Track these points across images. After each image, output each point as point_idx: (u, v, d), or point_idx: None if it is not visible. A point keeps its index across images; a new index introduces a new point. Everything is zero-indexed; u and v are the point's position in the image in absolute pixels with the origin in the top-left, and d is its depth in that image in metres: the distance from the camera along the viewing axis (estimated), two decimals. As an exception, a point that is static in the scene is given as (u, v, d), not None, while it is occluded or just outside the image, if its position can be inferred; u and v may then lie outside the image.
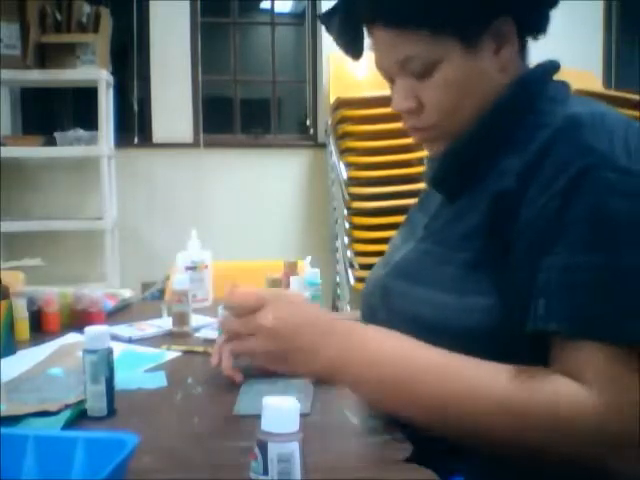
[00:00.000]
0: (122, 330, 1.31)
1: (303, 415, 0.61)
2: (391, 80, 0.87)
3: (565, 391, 0.67)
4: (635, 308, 0.67)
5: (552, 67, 0.87)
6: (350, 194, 3.37)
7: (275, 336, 0.80)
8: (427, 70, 0.82)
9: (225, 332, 0.92)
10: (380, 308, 0.89)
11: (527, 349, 0.72)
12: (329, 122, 3.77)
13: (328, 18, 0.89)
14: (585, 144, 0.72)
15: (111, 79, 3.57)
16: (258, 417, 0.79)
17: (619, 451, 0.66)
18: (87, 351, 0.86)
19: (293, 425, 0.58)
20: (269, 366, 0.84)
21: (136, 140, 3.98)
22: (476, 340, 0.74)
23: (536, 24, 0.86)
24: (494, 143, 0.82)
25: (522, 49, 0.87)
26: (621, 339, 0.67)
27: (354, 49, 0.89)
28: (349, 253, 3.37)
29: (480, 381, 0.71)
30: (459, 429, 0.72)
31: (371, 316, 0.90)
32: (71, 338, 1.24)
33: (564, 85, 0.87)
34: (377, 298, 0.90)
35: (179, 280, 1.36)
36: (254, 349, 0.82)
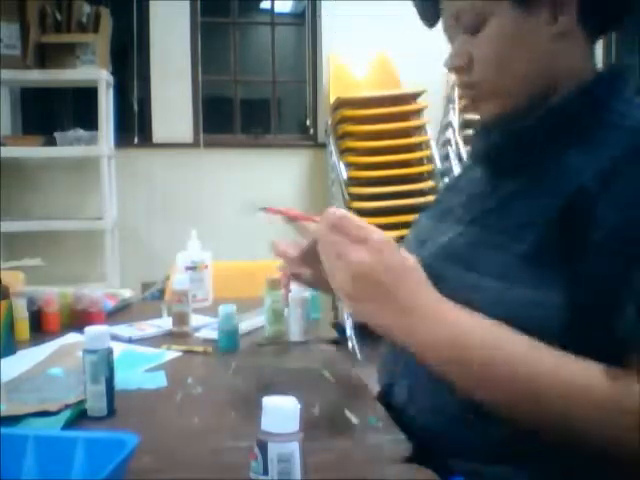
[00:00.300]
0: (122, 330, 1.30)
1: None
2: (451, 40, 0.88)
3: None
4: None
5: (623, 70, 0.85)
6: (350, 194, 3.38)
7: (371, 280, 0.71)
8: (478, 24, 0.82)
9: (313, 240, 0.83)
10: None
11: (587, 350, 0.70)
12: (329, 122, 3.77)
13: None
14: None
15: (111, 79, 3.57)
16: (237, 422, 0.79)
17: None
18: (87, 351, 0.86)
19: (293, 425, 0.58)
20: (348, 299, 0.72)
21: (136, 140, 3.98)
22: (529, 334, 0.70)
23: (601, 8, 0.82)
24: (559, 134, 0.80)
25: (589, 42, 0.84)
26: None
27: (429, 15, 0.91)
28: (349, 253, 3.36)
29: (578, 379, 0.68)
30: (547, 424, 0.69)
31: None
32: (71, 338, 1.24)
33: (638, 89, 0.85)
34: None
35: (179, 280, 1.36)
36: (343, 281, 0.72)
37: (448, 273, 0.81)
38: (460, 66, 0.85)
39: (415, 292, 0.72)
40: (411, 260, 0.74)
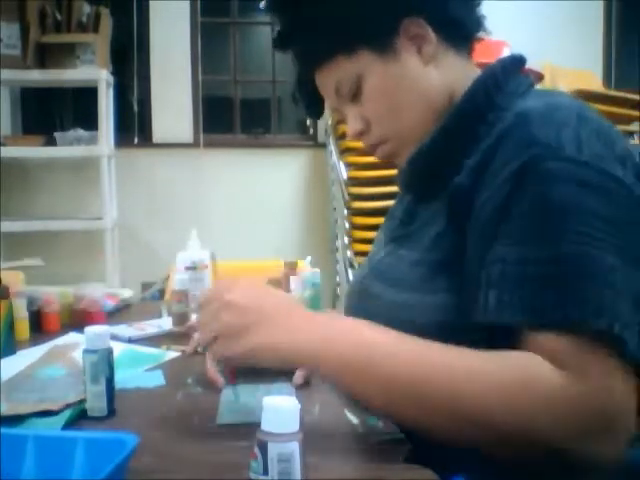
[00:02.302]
0: (122, 330, 1.31)
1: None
2: (343, 115, 0.91)
3: (539, 365, 0.66)
4: (583, 295, 0.66)
5: (513, 62, 0.87)
6: (350, 194, 3.37)
7: (235, 309, 0.74)
8: (356, 89, 0.86)
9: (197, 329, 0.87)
10: (358, 309, 0.90)
11: (487, 344, 0.71)
12: (329, 122, 3.77)
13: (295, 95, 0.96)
14: (531, 137, 0.72)
15: (111, 79, 3.57)
16: (242, 425, 0.80)
17: (592, 438, 0.65)
18: (87, 351, 0.86)
19: (293, 425, 0.58)
20: (227, 348, 0.75)
21: (136, 140, 3.98)
22: (442, 336, 0.72)
23: (450, 20, 0.86)
24: (458, 143, 0.83)
25: (461, 49, 0.88)
26: (574, 326, 0.66)
27: (316, 110, 0.97)
28: (349, 253, 3.37)
29: (450, 362, 0.70)
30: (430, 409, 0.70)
31: (351, 317, 0.91)
32: (71, 338, 1.24)
33: (527, 78, 0.87)
34: (355, 299, 0.93)
35: (179, 280, 1.36)
36: (215, 330, 0.75)
37: (373, 291, 0.87)
38: (360, 131, 0.89)
39: (287, 310, 0.76)
40: (275, 290, 0.81)
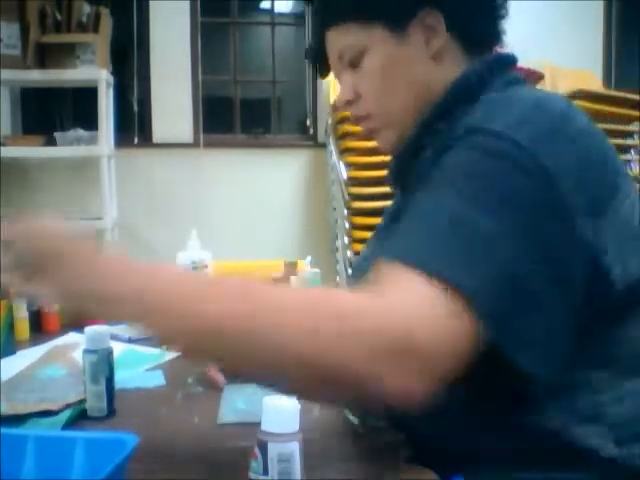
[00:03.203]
0: (122, 330, 1.30)
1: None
2: (339, 80, 0.92)
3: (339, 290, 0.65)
4: (451, 251, 0.63)
5: (500, 61, 0.86)
6: (350, 194, 3.38)
7: (23, 250, 0.69)
8: (357, 59, 0.86)
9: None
10: None
11: None
12: (329, 122, 3.77)
13: (308, 51, 0.96)
14: (473, 119, 0.73)
15: (111, 79, 3.57)
16: (242, 425, 0.80)
17: (385, 360, 0.57)
18: (87, 351, 0.86)
19: (293, 425, 0.58)
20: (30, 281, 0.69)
21: (136, 140, 3.98)
22: None
23: (468, 23, 0.86)
24: (440, 137, 0.81)
25: (471, 52, 0.87)
26: (426, 269, 0.61)
27: (322, 68, 0.95)
28: (349, 253, 3.37)
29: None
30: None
31: None
32: (71, 338, 1.24)
33: (513, 76, 0.86)
34: None
35: (179, 280, 1.36)
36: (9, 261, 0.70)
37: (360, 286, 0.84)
38: (348, 100, 0.89)
39: (78, 253, 0.69)
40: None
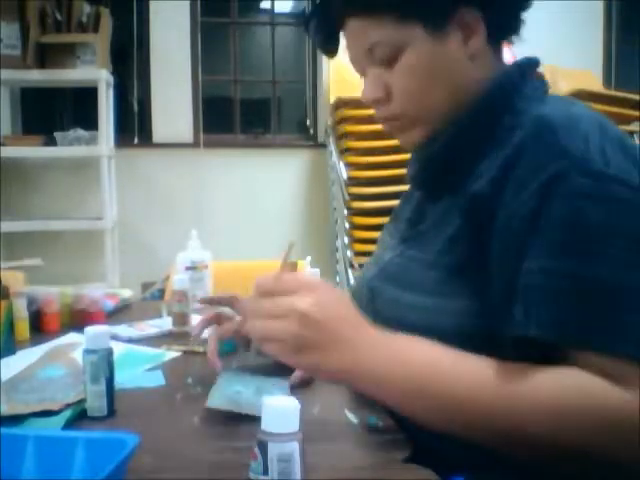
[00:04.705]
0: (122, 330, 1.30)
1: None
2: (363, 73, 0.88)
3: (596, 385, 0.65)
4: (609, 320, 0.66)
5: (529, 64, 0.87)
6: (350, 194, 3.38)
7: (308, 322, 0.68)
8: (393, 56, 0.83)
9: (244, 312, 0.86)
10: (367, 309, 0.88)
11: (514, 354, 0.70)
12: (329, 122, 3.77)
13: (308, 19, 0.91)
14: (559, 147, 0.71)
15: (111, 79, 3.57)
16: (237, 423, 0.80)
17: None
18: (87, 351, 0.86)
19: (293, 425, 0.58)
20: (288, 355, 0.70)
21: (136, 140, 3.98)
22: (461, 343, 0.72)
23: (505, 22, 0.85)
24: (473, 144, 0.82)
25: (497, 50, 0.87)
26: (602, 349, 0.66)
27: (330, 45, 0.91)
28: (349, 253, 3.37)
29: (506, 381, 0.68)
30: (486, 431, 0.69)
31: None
32: (71, 338, 1.24)
33: (542, 83, 0.86)
34: (364, 299, 0.90)
35: (179, 280, 1.36)
36: (280, 333, 0.69)
37: (386, 294, 0.85)
38: (378, 99, 0.86)
39: (356, 328, 0.72)
40: (347, 308, 0.73)
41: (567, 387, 0.66)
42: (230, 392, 0.88)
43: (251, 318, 0.72)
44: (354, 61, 0.89)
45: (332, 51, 0.92)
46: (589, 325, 0.66)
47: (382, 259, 0.93)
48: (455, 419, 0.69)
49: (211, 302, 1.15)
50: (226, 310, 1.07)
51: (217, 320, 1.05)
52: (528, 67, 0.86)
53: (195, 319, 1.35)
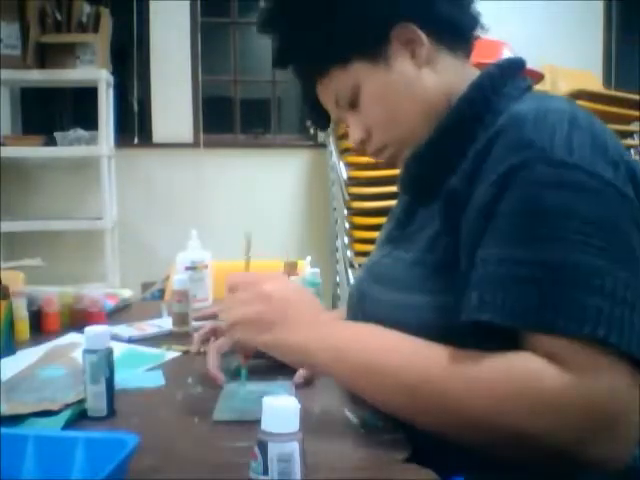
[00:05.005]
0: (122, 330, 1.30)
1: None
2: (345, 123, 0.92)
3: (538, 367, 0.66)
4: (567, 301, 0.66)
5: (510, 65, 0.87)
6: (350, 194, 3.38)
7: (271, 301, 0.80)
8: (355, 98, 0.87)
9: (220, 310, 0.90)
10: (357, 311, 0.91)
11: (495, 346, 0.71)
12: (329, 122, 3.76)
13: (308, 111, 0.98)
14: (523, 139, 0.72)
15: (111, 79, 3.57)
16: (241, 424, 0.80)
17: (596, 439, 0.64)
18: (87, 351, 0.86)
19: (293, 425, 0.58)
20: (252, 335, 0.81)
21: (136, 140, 3.98)
22: (440, 337, 0.73)
23: (440, 20, 0.86)
24: (454, 146, 0.83)
25: (456, 48, 0.88)
26: (558, 332, 0.66)
27: (322, 122, 0.98)
28: (349, 253, 3.37)
29: (456, 364, 0.70)
30: (428, 411, 0.71)
31: (351, 318, 0.93)
32: (71, 338, 1.24)
33: (524, 81, 0.87)
34: (354, 301, 0.93)
35: (179, 280, 1.36)
36: (247, 314, 0.81)
37: (372, 294, 0.88)
38: (361, 139, 0.90)
39: (316, 310, 0.84)
40: (306, 295, 0.86)
41: (509, 369, 0.67)
42: (236, 402, 0.88)
43: (223, 309, 0.85)
44: (334, 118, 0.94)
45: (324, 124, 0.99)
46: (541, 308, 0.66)
47: (371, 260, 0.96)
48: (395, 397, 0.73)
49: (204, 318, 1.19)
50: (222, 323, 1.08)
51: (213, 334, 1.07)
52: (509, 68, 0.87)
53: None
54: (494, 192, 0.72)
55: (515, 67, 0.87)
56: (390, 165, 0.93)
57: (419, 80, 0.85)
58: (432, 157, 0.86)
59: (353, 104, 0.88)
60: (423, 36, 0.84)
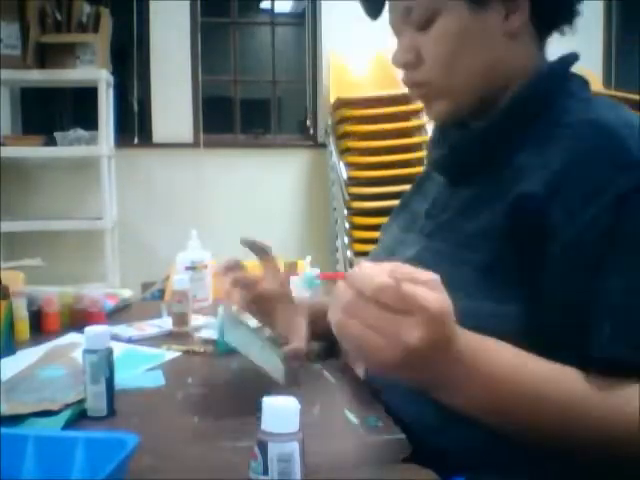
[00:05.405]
0: (122, 330, 1.30)
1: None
2: (399, 36, 0.86)
3: None
4: None
5: (569, 60, 0.85)
6: (350, 194, 3.38)
7: (438, 324, 0.59)
8: (429, 20, 0.80)
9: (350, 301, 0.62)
10: None
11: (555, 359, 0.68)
12: (329, 122, 3.77)
13: None
14: (628, 158, 0.69)
15: (111, 79, 3.57)
16: (237, 422, 0.80)
17: None
18: (87, 351, 0.86)
19: (293, 425, 0.58)
20: (401, 364, 0.60)
21: (136, 140, 3.98)
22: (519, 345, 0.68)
23: (553, 6, 0.83)
24: (513, 133, 0.80)
25: (541, 38, 0.85)
26: None
27: (374, 8, 0.88)
28: (349, 253, 3.37)
29: (595, 390, 0.66)
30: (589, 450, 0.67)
31: None
32: (71, 338, 1.24)
33: (584, 82, 0.84)
34: None
35: (179, 280, 1.36)
36: (409, 333, 0.59)
37: None
38: (408, 62, 0.83)
39: (453, 361, 0.64)
40: (456, 328, 0.64)
41: None
42: (240, 337, 0.91)
43: (347, 319, 0.61)
44: (392, 23, 0.86)
45: (375, 11, 0.88)
46: None
47: (403, 255, 0.86)
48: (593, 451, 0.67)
49: (252, 247, 1.09)
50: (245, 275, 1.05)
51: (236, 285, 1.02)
52: (568, 62, 0.84)
53: (195, 319, 1.35)
54: (610, 217, 0.68)
55: (573, 61, 0.85)
56: (421, 101, 0.86)
57: (498, 44, 0.81)
58: (485, 140, 0.82)
59: (423, 25, 0.81)
60: (527, 7, 0.80)
